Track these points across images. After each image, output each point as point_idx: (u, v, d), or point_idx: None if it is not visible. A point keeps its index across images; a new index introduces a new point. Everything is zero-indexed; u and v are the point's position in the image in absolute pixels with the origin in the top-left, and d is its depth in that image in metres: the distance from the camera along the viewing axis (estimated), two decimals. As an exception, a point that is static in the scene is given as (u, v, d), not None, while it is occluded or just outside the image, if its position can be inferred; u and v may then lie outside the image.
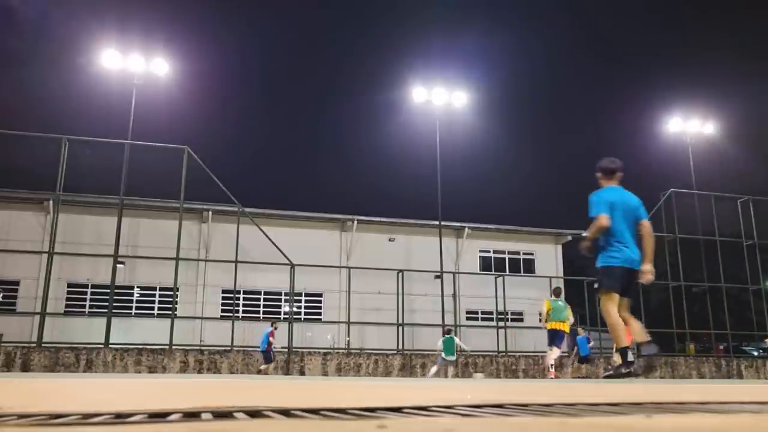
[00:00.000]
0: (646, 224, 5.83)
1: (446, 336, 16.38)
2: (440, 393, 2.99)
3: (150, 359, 15.81)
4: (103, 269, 19.80)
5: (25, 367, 15.02)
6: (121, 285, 20.61)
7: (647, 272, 5.67)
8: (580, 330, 17.38)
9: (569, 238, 29.11)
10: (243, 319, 22.32)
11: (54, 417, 1.35)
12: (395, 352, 19.00)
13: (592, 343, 17.46)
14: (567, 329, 12.91)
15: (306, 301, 24.88)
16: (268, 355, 16.36)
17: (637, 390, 3.43)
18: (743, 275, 23.20)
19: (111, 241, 17.63)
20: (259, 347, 16.68)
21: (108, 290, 17.75)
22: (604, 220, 5.63)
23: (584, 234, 5.92)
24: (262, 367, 16.33)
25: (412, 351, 19.78)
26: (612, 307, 5.70)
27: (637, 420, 1.40)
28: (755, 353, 29.34)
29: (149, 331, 19.22)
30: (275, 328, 16.79)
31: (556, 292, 13.41)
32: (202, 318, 22.18)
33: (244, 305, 24.00)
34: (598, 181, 5.94)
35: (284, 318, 22.52)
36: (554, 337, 12.78)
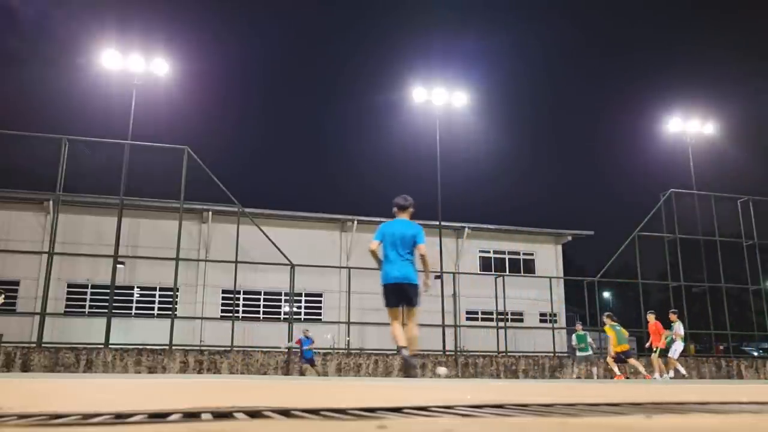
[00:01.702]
0: (420, 248, 7.07)
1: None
2: (440, 393, 2.99)
3: (150, 359, 15.81)
4: (103, 269, 19.79)
5: (25, 368, 15.02)
6: (121, 285, 20.59)
7: (424, 284, 7.10)
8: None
9: (569, 238, 29.10)
10: (243, 319, 22.31)
11: (54, 417, 1.35)
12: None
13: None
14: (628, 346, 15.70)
15: (306, 302, 24.88)
16: (308, 358, 16.84)
17: (637, 390, 3.44)
18: (743, 275, 23.19)
19: (111, 242, 17.63)
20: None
21: (108, 290, 17.75)
22: (371, 245, 7.25)
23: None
24: (310, 368, 16.80)
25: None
26: (390, 317, 7.17)
27: (637, 420, 1.40)
28: (755, 353, 29.35)
29: (149, 331, 19.22)
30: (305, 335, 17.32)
31: (612, 318, 15.46)
32: (202, 318, 22.17)
33: (244, 305, 24.00)
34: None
35: (284, 318, 22.52)
36: (622, 356, 15.41)
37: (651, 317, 16.10)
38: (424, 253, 7.11)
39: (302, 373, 16.52)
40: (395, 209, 7.41)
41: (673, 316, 16.20)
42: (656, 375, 15.68)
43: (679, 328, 15.91)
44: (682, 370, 16.39)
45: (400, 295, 7.06)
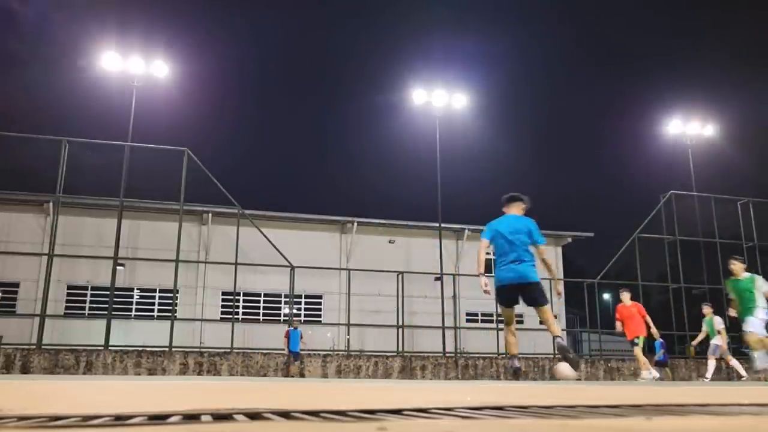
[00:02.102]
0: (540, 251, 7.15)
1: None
2: (440, 395, 2.99)
3: (150, 361, 15.80)
4: (103, 271, 19.78)
5: (25, 369, 15.01)
6: (121, 287, 20.59)
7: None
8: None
9: (569, 239, 29.11)
10: (243, 321, 22.31)
11: (54, 419, 1.35)
12: (395, 354, 18.99)
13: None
14: None
15: (306, 303, 24.87)
16: (294, 352, 16.66)
17: (637, 392, 3.44)
18: (743, 277, 23.14)
19: (111, 243, 17.62)
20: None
21: (108, 292, 17.74)
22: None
23: None
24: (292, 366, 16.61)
25: (412, 353, 19.76)
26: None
27: (637, 422, 1.40)
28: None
29: (149, 332, 19.20)
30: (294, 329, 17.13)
31: None
32: (201, 320, 22.16)
33: (244, 307, 23.98)
34: None
35: (284, 320, 22.51)
36: None
37: (626, 296, 13.19)
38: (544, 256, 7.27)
39: (301, 375, 16.51)
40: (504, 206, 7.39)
41: (708, 309, 14.56)
42: (644, 373, 12.91)
43: (719, 322, 14.33)
44: (741, 372, 14.76)
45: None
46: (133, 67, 18.89)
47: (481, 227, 28.13)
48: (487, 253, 7.25)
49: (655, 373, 13.15)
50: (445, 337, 19.99)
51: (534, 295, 6.93)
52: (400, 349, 19.64)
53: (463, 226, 27.08)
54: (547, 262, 7.33)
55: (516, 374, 7.36)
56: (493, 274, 7.34)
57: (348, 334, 21.99)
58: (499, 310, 7.23)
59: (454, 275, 22.91)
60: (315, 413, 1.52)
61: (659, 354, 16.14)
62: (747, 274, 10.27)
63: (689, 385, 7.87)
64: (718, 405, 2.01)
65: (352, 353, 19.47)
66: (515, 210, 7.16)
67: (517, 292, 6.97)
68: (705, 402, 2.18)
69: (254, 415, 1.45)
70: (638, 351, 12.74)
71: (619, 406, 1.88)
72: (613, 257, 21.67)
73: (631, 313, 12.88)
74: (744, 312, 10.00)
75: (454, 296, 21.38)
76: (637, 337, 12.64)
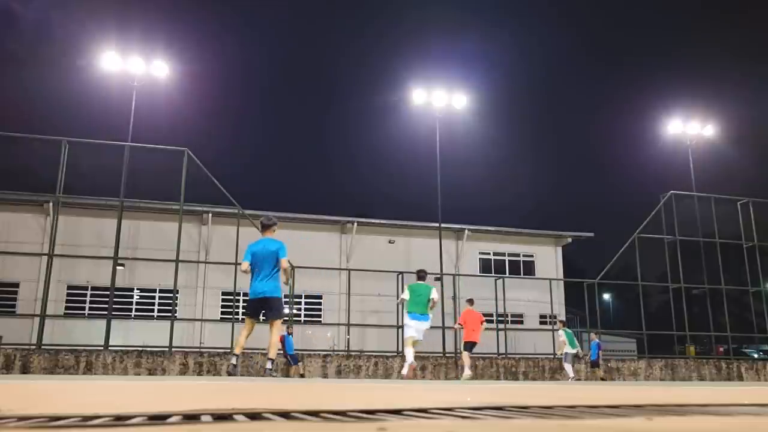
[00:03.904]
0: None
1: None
2: (440, 395, 2.99)
3: (150, 361, 15.80)
4: (102, 271, 19.78)
5: (25, 369, 15.01)
6: (121, 287, 20.58)
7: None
8: (593, 335, 17.99)
9: (569, 240, 29.11)
10: (243, 321, 22.29)
11: (54, 419, 1.35)
12: (395, 354, 18.98)
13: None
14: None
15: (306, 303, 24.86)
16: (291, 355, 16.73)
17: (638, 392, 3.44)
18: (743, 277, 23.18)
19: (111, 243, 17.62)
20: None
21: (108, 292, 17.73)
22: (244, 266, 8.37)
23: None
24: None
25: (412, 353, 19.75)
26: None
27: (638, 422, 1.40)
28: (755, 355, 29.35)
29: (149, 333, 19.20)
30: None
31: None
32: (202, 320, 22.15)
33: (243, 307, 23.96)
34: None
35: (284, 320, 22.52)
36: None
37: (468, 305, 14.86)
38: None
39: (301, 375, 16.51)
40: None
41: (559, 324, 17.26)
42: (468, 372, 13.96)
43: (560, 334, 17.11)
44: (570, 373, 16.99)
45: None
46: (133, 67, 18.88)
47: (481, 227, 28.12)
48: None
49: (468, 372, 14.06)
50: (445, 338, 19.98)
51: (275, 308, 8.25)
52: (400, 349, 19.62)
53: (463, 226, 27.07)
54: (287, 271, 8.78)
55: (233, 372, 8.31)
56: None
57: (348, 334, 21.98)
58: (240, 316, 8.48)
59: (454, 275, 22.90)
60: (315, 413, 1.52)
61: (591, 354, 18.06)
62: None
63: (689, 385, 7.88)
64: (718, 405, 2.01)
65: (352, 353, 19.46)
66: (270, 234, 8.56)
67: (263, 304, 8.18)
68: (705, 402, 2.18)
69: (254, 415, 1.45)
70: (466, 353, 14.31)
71: (619, 406, 1.88)
72: (613, 257, 21.67)
73: (473, 318, 14.56)
74: None
75: (454, 296, 21.36)
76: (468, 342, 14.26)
